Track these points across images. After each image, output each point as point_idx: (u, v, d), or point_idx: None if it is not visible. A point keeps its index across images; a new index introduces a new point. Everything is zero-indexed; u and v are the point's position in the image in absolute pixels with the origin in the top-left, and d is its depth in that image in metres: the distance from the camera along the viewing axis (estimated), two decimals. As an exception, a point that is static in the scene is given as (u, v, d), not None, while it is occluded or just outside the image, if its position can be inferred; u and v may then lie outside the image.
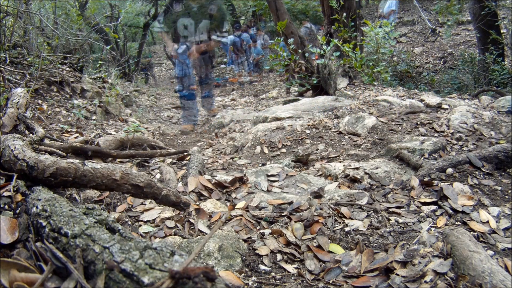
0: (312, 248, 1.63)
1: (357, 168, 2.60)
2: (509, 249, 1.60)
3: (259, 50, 11.55)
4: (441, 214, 1.90)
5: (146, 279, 0.77)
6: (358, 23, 6.88)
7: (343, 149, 3.29)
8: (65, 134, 3.59)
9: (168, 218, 1.85)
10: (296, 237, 1.71)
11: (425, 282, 1.33)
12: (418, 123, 3.63)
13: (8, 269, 0.95)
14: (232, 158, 3.62)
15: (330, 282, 1.44)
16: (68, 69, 5.44)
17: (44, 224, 1.10)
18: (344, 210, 1.94)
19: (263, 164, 3.10)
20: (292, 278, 1.47)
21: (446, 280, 1.32)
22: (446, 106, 4.13)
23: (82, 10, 9.81)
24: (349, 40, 5.74)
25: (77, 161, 1.50)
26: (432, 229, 1.72)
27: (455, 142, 3.06)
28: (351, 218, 1.88)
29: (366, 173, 2.53)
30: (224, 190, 2.29)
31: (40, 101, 4.19)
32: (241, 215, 1.92)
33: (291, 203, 2.03)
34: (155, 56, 20.78)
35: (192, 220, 1.85)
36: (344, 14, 5.84)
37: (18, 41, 5.16)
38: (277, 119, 4.45)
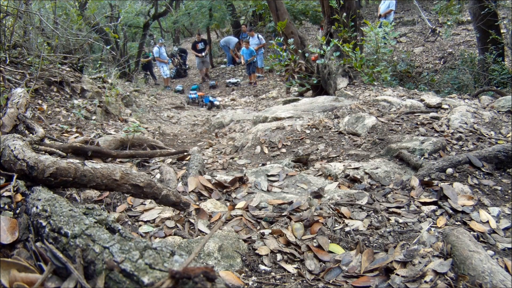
0: (312, 248, 1.63)
1: (357, 168, 2.60)
2: (509, 249, 1.60)
3: (251, 51, 11.48)
4: (441, 214, 1.90)
5: (146, 279, 0.77)
6: (358, 23, 6.89)
7: (343, 149, 3.29)
8: (65, 134, 3.59)
9: (168, 218, 1.85)
10: (296, 237, 1.71)
11: (425, 282, 1.33)
12: (418, 123, 3.63)
13: (8, 269, 0.95)
14: (232, 158, 3.62)
15: (330, 282, 1.44)
16: (68, 69, 5.44)
17: (44, 224, 1.10)
18: (344, 210, 1.94)
19: (263, 164, 3.10)
20: (292, 278, 1.47)
21: (446, 280, 1.32)
22: (446, 106, 4.13)
23: (82, 10, 9.81)
24: (349, 40, 5.74)
25: (77, 161, 1.50)
26: (432, 229, 1.72)
27: (455, 142, 3.06)
28: (351, 218, 1.88)
29: (366, 173, 2.53)
30: (224, 190, 2.29)
31: (40, 101, 4.19)
32: (241, 215, 1.92)
33: (291, 203, 2.03)
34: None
35: (192, 220, 1.85)
36: (344, 14, 5.85)
37: (18, 41, 5.16)
38: (277, 119, 4.45)
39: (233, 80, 12.45)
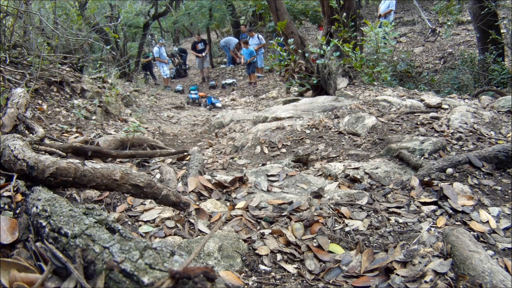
0: (312, 248, 1.63)
1: (357, 168, 2.60)
2: (509, 249, 1.60)
3: (251, 51, 11.46)
4: (441, 214, 1.90)
5: (146, 279, 0.77)
6: (358, 23, 6.89)
7: (343, 149, 3.29)
8: (65, 134, 3.59)
9: (168, 218, 1.85)
10: (296, 237, 1.71)
11: (425, 282, 1.33)
12: (418, 123, 3.63)
13: (8, 269, 0.95)
14: (232, 158, 3.62)
15: (330, 282, 1.44)
16: (68, 69, 5.44)
17: (44, 224, 1.10)
18: (344, 210, 1.94)
19: (263, 164, 3.10)
20: (292, 278, 1.47)
21: (446, 280, 1.32)
22: (446, 106, 4.13)
23: (82, 10, 9.81)
24: (349, 40, 5.74)
25: (77, 161, 1.50)
26: (432, 229, 1.72)
27: (455, 142, 3.06)
28: (351, 218, 1.88)
29: (366, 173, 2.53)
30: (224, 190, 2.29)
31: (40, 101, 4.19)
32: (241, 215, 1.92)
33: (291, 203, 2.03)
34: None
35: (192, 220, 1.85)
36: (344, 14, 5.85)
37: (18, 41, 5.16)
38: (277, 119, 4.45)
39: (228, 81, 12.41)
